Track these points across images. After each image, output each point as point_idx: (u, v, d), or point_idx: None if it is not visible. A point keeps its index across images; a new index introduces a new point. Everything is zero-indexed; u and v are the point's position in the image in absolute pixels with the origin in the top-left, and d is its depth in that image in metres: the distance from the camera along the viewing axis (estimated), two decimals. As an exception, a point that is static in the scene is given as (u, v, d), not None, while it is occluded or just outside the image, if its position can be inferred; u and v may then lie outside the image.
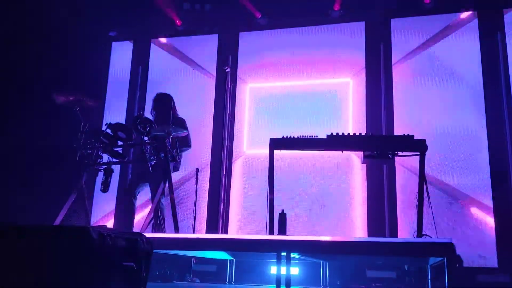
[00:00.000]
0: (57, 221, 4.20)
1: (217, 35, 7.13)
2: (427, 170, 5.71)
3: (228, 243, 3.60)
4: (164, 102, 5.04)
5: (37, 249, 1.71)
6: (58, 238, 1.73)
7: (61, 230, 1.74)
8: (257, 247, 3.57)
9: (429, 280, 5.00)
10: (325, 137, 4.13)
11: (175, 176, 6.15)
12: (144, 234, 2.19)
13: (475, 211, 5.70)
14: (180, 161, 5.07)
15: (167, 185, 4.45)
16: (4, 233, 1.79)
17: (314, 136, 4.18)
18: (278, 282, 3.39)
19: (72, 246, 1.71)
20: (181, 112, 5.42)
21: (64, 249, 1.71)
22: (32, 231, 1.77)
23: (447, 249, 3.27)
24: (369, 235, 5.88)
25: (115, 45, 7.50)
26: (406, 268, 5.48)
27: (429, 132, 5.87)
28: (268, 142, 4.21)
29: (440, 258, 3.90)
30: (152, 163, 4.45)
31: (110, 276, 1.84)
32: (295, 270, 5.62)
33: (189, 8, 6.03)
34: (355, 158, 6.13)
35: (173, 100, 5.14)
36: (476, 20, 6.18)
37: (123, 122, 6.43)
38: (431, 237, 3.73)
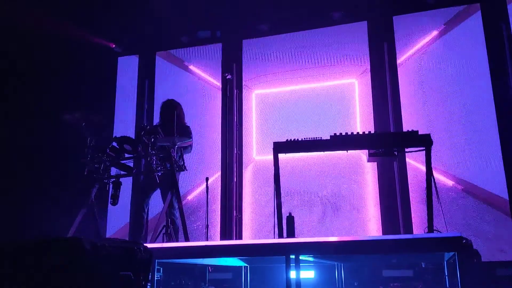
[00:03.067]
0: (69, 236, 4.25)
1: (220, 44, 7.18)
2: (440, 165, 5.70)
3: (234, 249, 3.60)
4: (170, 109, 5.07)
5: (31, 262, 1.74)
6: (52, 250, 1.75)
7: (54, 242, 1.77)
8: (265, 251, 3.56)
9: (446, 277, 4.92)
10: (328, 138, 4.11)
11: (185, 186, 6.20)
12: (142, 243, 2.20)
13: (492, 204, 5.60)
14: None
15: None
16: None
17: (318, 137, 4.17)
18: (288, 286, 3.37)
19: (66, 257, 1.73)
20: (189, 121, 5.46)
21: (58, 261, 1.73)
22: (25, 245, 1.80)
23: (456, 243, 3.21)
24: (383, 234, 5.81)
25: (121, 59, 7.60)
26: (423, 266, 5.41)
27: (440, 128, 5.83)
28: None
29: (452, 253, 3.85)
30: (159, 174, 4.48)
31: (106, 286, 1.86)
32: (310, 274, 5.59)
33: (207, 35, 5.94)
34: (364, 158, 6.09)
35: (179, 107, 5.17)
36: (479, 13, 6.11)
37: (133, 135, 6.52)
38: (440, 232, 3.67)
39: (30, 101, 5.82)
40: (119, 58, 7.58)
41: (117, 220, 6.84)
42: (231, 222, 6.34)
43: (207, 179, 5.90)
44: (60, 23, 6.19)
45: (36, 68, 5.88)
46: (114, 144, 4.56)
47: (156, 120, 6.10)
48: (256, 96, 6.94)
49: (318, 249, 3.38)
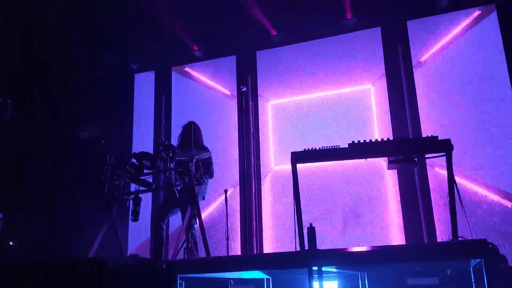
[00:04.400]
0: (91, 254, 4.29)
1: (235, 56, 7.23)
2: (462, 170, 5.60)
3: (255, 261, 3.58)
4: (189, 129, 5.13)
5: (58, 281, 1.76)
6: (77, 270, 1.76)
7: (79, 262, 1.78)
8: (287, 263, 3.53)
9: (473, 283, 4.81)
10: (346, 146, 4.08)
11: (205, 199, 6.20)
12: (163, 259, 2.20)
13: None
14: (206, 189, 5.11)
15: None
16: (22, 269, 1.85)
17: (336, 146, 4.14)
18: (311, 297, 3.33)
19: (90, 278, 1.74)
20: (207, 135, 5.48)
21: (83, 281, 1.74)
22: (51, 264, 1.82)
23: (482, 249, 3.15)
24: (406, 242, 5.73)
25: (138, 76, 7.70)
26: (449, 273, 5.30)
27: (460, 132, 5.74)
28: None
29: (478, 260, 3.76)
30: (178, 188, 4.49)
31: (130, 304, 1.87)
32: (333, 284, 5.52)
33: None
34: (384, 164, 6.02)
35: (198, 128, 5.22)
36: (495, 13, 6.03)
37: (151, 150, 6.57)
38: (465, 239, 3.60)
39: (49, 119, 5.92)
40: (135, 74, 7.68)
41: (139, 235, 6.87)
42: (251, 234, 6.33)
43: (226, 191, 5.91)
44: (78, 42, 6.31)
45: (55, 87, 5.99)
46: (133, 160, 4.59)
47: (174, 133, 6.15)
48: (272, 106, 6.94)
49: (340, 260, 3.34)
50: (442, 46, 6.20)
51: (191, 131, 4.99)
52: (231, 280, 5.91)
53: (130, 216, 4.61)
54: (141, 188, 4.74)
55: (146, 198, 5.65)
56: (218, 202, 6.57)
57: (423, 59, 6.27)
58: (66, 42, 6.15)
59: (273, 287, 5.80)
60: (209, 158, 5.12)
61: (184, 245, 4.76)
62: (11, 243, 5.14)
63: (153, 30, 6.95)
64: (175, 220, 5.44)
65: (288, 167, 4.21)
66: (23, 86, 5.52)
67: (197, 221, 4.62)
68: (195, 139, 4.88)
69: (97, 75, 6.63)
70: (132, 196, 4.59)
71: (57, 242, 5.31)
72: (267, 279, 5.80)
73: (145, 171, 4.61)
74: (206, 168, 5.08)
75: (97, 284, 1.74)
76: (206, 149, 5.15)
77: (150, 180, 4.87)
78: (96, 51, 6.73)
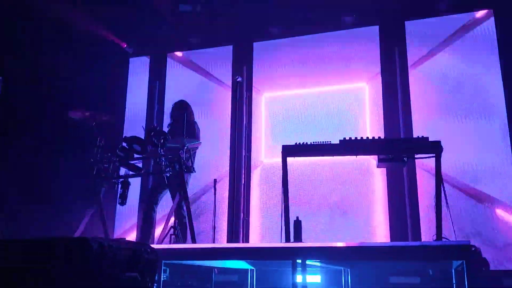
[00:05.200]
0: (76, 235, 4.28)
1: (231, 46, 7.19)
2: (449, 172, 5.64)
3: (240, 252, 3.60)
4: (180, 110, 5.12)
5: (39, 260, 1.75)
6: (58, 250, 1.76)
7: (61, 241, 1.78)
8: (271, 255, 3.55)
9: (454, 285, 4.87)
10: (337, 142, 4.10)
11: (193, 188, 6.20)
12: (148, 244, 2.21)
13: (500, 212, 5.54)
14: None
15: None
16: (3, 247, 1.84)
17: (327, 141, 4.15)
18: (294, 290, 3.36)
19: (72, 257, 1.74)
20: (199, 123, 5.46)
21: (64, 260, 1.74)
22: (33, 243, 1.81)
23: (465, 251, 3.19)
24: (391, 241, 5.77)
25: (133, 60, 7.65)
26: (431, 273, 5.36)
27: (450, 134, 5.78)
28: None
29: (461, 261, 3.81)
30: (168, 175, 4.49)
31: (113, 286, 1.86)
32: (317, 278, 5.57)
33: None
34: (374, 163, 6.05)
35: (189, 107, 5.20)
36: (492, 18, 6.06)
37: (143, 136, 6.54)
38: (449, 240, 3.64)
39: (41, 100, 5.86)
40: (130, 59, 7.63)
41: (125, 220, 6.87)
42: (238, 225, 6.34)
43: (215, 181, 5.92)
44: (72, 22, 6.24)
45: (47, 67, 5.93)
46: (124, 144, 4.58)
47: (166, 120, 6.14)
48: (266, 99, 6.94)
49: (325, 254, 3.37)
50: (439, 48, 6.22)
51: (182, 112, 4.98)
52: (215, 269, 5.94)
53: (117, 200, 4.60)
54: (130, 172, 4.74)
55: (134, 183, 5.63)
56: (207, 192, 6.57)
57: (419, 60, 6.29)
58: (61, 22, 6.08)
59: (257, 278, 5.84)
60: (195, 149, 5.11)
61: (171, 232, 4.78)
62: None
63: (150, 16, 6.89)
64: (163, 205, 5.42)
65: (278, 160, 4.23)
66: (13, 64, 5.45)
67: (185, 208, 4.62)
68: (187, 123, 4.87)
69: (91, 55, 6.57)
70: (121, 179, 4.58)
71: (42, 223, 5.28)
72: (251, 269, 5.83)
73: (135, 155, 4.60)
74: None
75: (78, 265, 1.74)
76: (195, 128, 5.10)
77: (140, 165, 4.86)
78: (92, 30, 6.67)
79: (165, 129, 5.37)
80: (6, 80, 5.16)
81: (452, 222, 3.88)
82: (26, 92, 5.70)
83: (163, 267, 4.32)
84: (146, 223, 5.01)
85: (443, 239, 3.88)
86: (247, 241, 6.28)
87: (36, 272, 1.75)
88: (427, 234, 5.63)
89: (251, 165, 6.69)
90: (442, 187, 3.94)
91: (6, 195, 5.26)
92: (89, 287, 1.73)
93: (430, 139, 3.97)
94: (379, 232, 5.93)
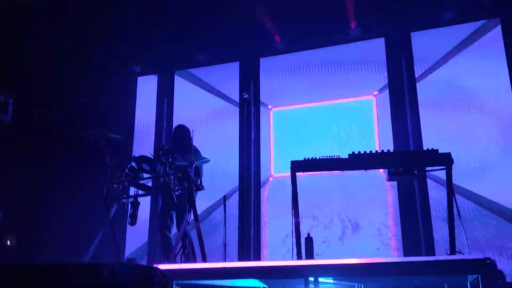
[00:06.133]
0: (88, 257, 4.27)
1: (238, 62, 7.23)
2: (462, 184, 5.58)
3: (252, 271, 3.56)
4: (182, 133, 5.15)
5: (50, 286, 1.74)
6: (70, 275, 1.75)
7: (72, 267, 1.77)
8: (283, 273, 3.51)
9: (470, 298, 4.79)
10: (347, 156, 4.07)
11: (203, 206, 6.18)
12: (157, 267, 2.20)
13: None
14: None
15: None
16: (12, 272, 1.83)
17: (336, 156, 4.13)
18: (307, 308, 3.32)
19: (84, 283, 1.73)
20: (207, 139, 5.49)
21: (77, 286, 1.73)
22: (43, 268, 1.81)
23: (480, 265, 3.14)
24: (405, 255, 5.70)
25: (141, 79, 7.71)
26: (446, 287, 5.27)
27: (461, 145, 5.73)
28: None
29: (476, 275, 3.74)
30: (177, 193, 4.48)
31: (123, 311, 1.85)
32: (330, 294, 5.50)
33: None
34: (384, 175, 6.01)
35: (189, 131, 5.24)
36: (499, 27, 6.03)
37: (152, 154, 6.56)
38: (463, 254, 3.58)
39: (50, 119, 5.92)
40: (138, 77, 7.69)
41: (136, 239, 6.85)
42: (249, 241, 6.30)
43: (224, 197, 5.89)
44: (80, 43, 6.32)
45: (57, 87, 5.99)
46: (133, 163, 4.58)
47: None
48: (274, 113, 6.95)
49: (337, 271, 3.33)
50: (446, 58, 6.20)
51: (185, 134, 5.04)
52: (227, 288, 5.89)
53: (128, 220, 4.60)
54: (140, 192, 4.74)
55: (144, 202, 5.63)
56: (217, 209, 6.55)
57: (426, 71, 6.26)
58: (69, 41, 6.15)
59: (270, 296, 5.78)
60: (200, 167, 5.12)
61: (181, 251, 4.75)
62: (8, 242, 5.13)
63: (157, 33, 6.96)
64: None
65: (288, 174, 4.20)
66: (24, 85, 5.52)
67: (195, 226, 4.60)
68: (189, 143, 4.91)
69: (99, 76, 6.63)
70: (131, 200, 4.58)
71: (54, 243, 5.30)
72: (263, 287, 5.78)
73: (144, 175, 4.60)
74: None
75: (90, 291, 1.73)
76: (198, 151, 5.15)
77: (149, 184, 4.86)
78: (99, 51, 6.74)
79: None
80: (16, 100, 5.24)
81: (465, 234, 3.82)
82: (36, 113, 5.76)
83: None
84: (165, 247, 5.01)
85: (457, 253, 3.81)
86: (258, 257, 6.23)
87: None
88: (441, 246, 5.55)
89: (261, 180, 6.68)
90: (453, 199, 3.89)
91: (18, 214, 5.29)
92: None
93: (440, 151, 3.94)
94: (392, 246, 5.86)
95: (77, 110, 6.25)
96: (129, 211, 4.55)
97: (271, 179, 6.70)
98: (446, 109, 6.06)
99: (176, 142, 5.19)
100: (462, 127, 5.93)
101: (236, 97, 7.06)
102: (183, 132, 5.15)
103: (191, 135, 5.03)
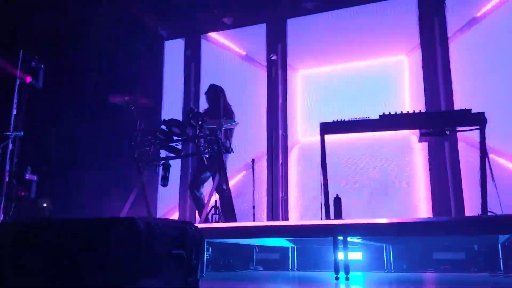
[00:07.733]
0: (122, 215, 4.41)
1: (265, 24, 7.13)
2: (495, 145, 5.45)
3: (282, 230, 3.62)
4: (215, 94, 5.14)
5: (88, 240, 1.82)
6: (108, 230, 1.82)
7: (109, 222, 1.83)
8: (312, 232, 3.56)
9: (501, 259, 4.77)
10: (377, 117, 4.02)
11: (232, 168, 6.25)
12: (192, 222, 2.25)
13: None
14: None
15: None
16: (51, 226, 1.92)
17: (366, 117, 4.08)
18: (336, 266, 3.37)
19: (120, 237, 1.79)
20: (235, 104, 5.47)
21: (113, 240, 1.80)
22: (82, 224, 1.88)
23: (512, 225, 3.11)
24: (434, 216, 5.68)
25: (168, 43, 7.71)
26: (476, 248, 5.25)
27: (494, 105, 5.56)
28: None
29: (508, 236, 3.71)
30: (207, 156, 4.54)
31: (160, 264, 1.92)
32: (358, 255, 5.56)
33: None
34: (414, 138, 5.93)
35: (223, 92, 5.21)
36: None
37: (181, 118, 6.63)
38: (495, 214, 3.54)
39: (80, 85, 6.01)
40: (165, 42, 7.69)
41: (167, 201, 7.02)
42: (277, 203, 6.38)
43: (253, 161, 5.96)
44: (108, 8, 6.32)
45: (85, 52, 6.06)
46: (163, 127, 4.65)
47: (202, 101, 6.21)
48: (301, 76, 6.87)
49: (366, 231, 3.35)
50: (479, 18, 5.97)
51: (216, 96, 5.03)
52: (256, 247, 6.02)
53: (159, 181, 4.70)
54: (171, 154, 4.82)
55: (175, 165, 5.73)
56: (246, 172, 6.61)
57: (459, 29, 6.05)
58: (98, 8, 6.17)
59: (298, 256, 5.90)
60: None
61: (212, 211, 4.86)
62: (44, 204, 5.32)
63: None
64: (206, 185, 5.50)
65: (316, 139, 4.19)
66: (54, 53, 5.59)
67: (226, 188, 4.68)
68: (223, 103, 4.91)
69: (127, 40, 6.66)
70: (162, 162, 4.67)
71: (88, 205, 5.47)
72: (292, 247, 5.88)
73: (175, 138, 4.66)
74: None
75: (127, 244, 1.79)
76: (231, 111, 5.14)
77: (180, 147, 4.94)
78: (128, 16, 6.75)
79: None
80: (47, 67, 5.33)
81: (498, 196, 3.76)
82: (66, 80, 5.86)
83: (206, 246, 4.42)
84: (197, 207, 5.12)
85: (489, 213, 3.77)
86: (286, 219, 6.32)
87: (87, 251, 1.82)
88: (471, 210, 5.50)
89: (288, 144, 6.69)
90: (487, 159, 3.82)
91: (53, 177, 5.47)
92: (139, 265, 1.78)
93: (473, 111, 3.85)
94: (421, 208, 5.83)
95: (107, 75, 6.32)
96: (161, 173, 4.65)
97: (298, 143, 6.69)
98: (479, 68, 5.87)
99: (210, 102, 5.21)
100: (496, 88, 5.74)
101: (263, 60, 6.99)
102: (218, 91, 5.13)
103: (224, 94, 5.05)
